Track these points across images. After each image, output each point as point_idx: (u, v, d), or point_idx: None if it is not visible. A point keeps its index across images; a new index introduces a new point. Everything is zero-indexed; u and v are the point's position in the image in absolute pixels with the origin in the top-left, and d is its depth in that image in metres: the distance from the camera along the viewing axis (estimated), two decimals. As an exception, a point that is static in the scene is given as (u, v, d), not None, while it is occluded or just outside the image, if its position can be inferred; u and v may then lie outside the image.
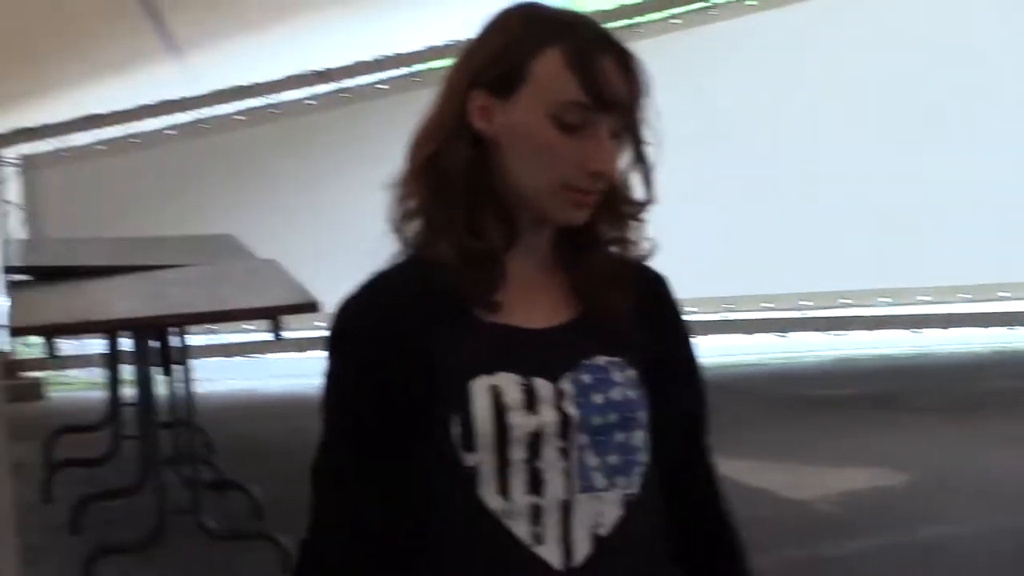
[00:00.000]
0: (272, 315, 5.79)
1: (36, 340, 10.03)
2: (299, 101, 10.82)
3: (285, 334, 5.96)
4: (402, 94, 10.26)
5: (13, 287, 6.65)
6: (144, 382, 6.13)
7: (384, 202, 2.01)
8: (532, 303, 2.00)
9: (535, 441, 1.93)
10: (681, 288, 2.10)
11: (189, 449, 6.07)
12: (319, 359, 2.05)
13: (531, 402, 1.93)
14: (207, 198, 10.29)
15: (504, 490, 1.93)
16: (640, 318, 2.04)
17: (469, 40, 2.01)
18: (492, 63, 1.95)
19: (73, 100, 10.57)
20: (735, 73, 10.29)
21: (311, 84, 10.73)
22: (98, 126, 10.86)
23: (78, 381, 9.90)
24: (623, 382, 1.98)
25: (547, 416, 1.93)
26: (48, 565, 5.93)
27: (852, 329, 10.68)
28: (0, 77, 9.63)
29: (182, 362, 6.27)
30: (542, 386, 1.95)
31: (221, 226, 8.38)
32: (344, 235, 10.00)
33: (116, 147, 10.86)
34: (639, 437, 1.98)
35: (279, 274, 6.21)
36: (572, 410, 1.94)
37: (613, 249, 2.04)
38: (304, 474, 2.04)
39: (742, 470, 6.63)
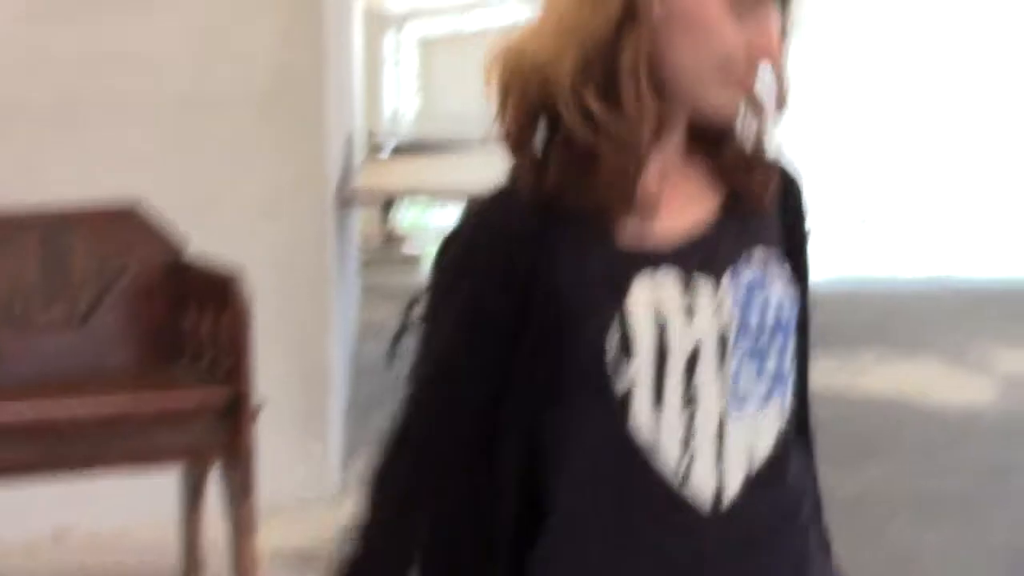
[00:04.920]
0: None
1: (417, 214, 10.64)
2: None
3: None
4: None
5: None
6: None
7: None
8: (679, 196, 1.84)
9: (694, 355, 1.78)
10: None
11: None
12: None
13: (691, 303, 1.79)
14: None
15: (658, 406, 1.78)
16: (779, 214, 1.90)
17: None
18: None
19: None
20: None
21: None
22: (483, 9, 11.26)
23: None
24: (781, 277, 1.84)
25: (705, 319, 1.79)
26: (377, 416, 6.41)
27: None
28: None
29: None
30: (704, 283, 1.80)
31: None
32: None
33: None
34: (792, 343, 1.85)
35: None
36: (735, 309, 1.80)
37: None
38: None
39: None
